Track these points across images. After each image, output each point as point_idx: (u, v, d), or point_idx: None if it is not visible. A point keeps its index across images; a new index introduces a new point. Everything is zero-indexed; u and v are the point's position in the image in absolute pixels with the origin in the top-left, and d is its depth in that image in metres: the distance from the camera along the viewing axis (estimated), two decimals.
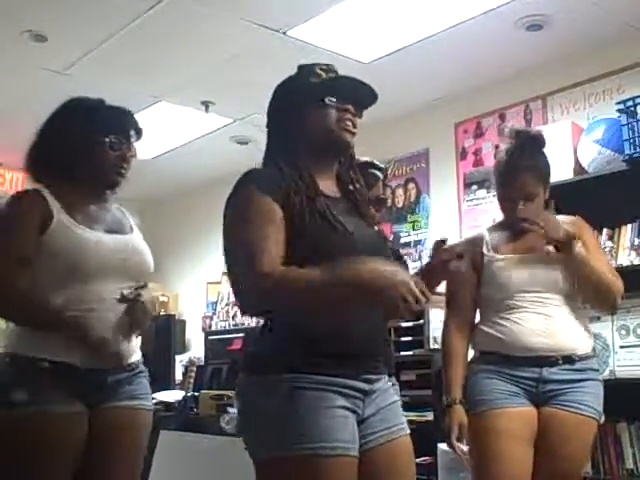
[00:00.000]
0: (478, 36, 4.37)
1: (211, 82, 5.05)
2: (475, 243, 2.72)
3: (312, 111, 1.91)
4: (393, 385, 2.01)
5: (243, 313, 2.38)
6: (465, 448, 2.57)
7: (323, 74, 1.95)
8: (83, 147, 2.35)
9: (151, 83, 5.08)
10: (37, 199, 2.27)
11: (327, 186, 1.93)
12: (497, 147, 4.97)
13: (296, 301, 1.72)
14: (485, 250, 2.68)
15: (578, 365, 2.54)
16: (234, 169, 7.42)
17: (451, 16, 4.16)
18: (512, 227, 2.67)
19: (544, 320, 2.54)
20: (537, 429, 2.51)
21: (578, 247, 2.54)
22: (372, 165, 2.76)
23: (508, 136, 2.73)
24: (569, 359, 2.53)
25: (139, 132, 2.48)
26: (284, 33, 4.35)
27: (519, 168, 2.60)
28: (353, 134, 1.92)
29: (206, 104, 5.38)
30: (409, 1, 4.02)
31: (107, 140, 2.36)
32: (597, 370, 2.63)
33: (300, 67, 2.00)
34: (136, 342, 2.40)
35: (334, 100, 1.90)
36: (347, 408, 1.78)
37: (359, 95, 1.93)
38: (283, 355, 1.78)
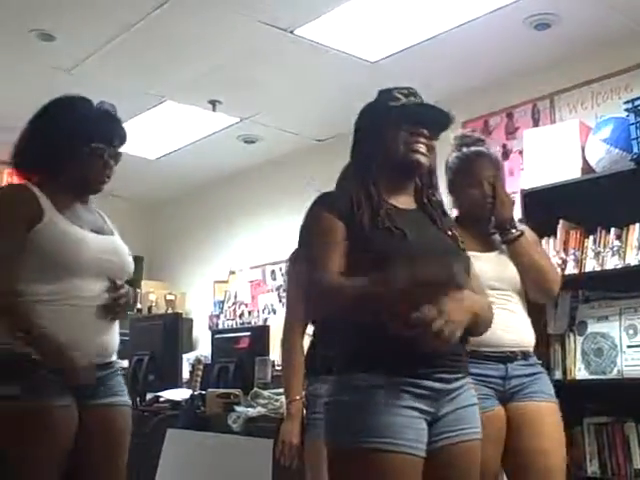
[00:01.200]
0: (486, 35, 4.36)
1: (218, 81, 5.05)
2: None
3: (386, 133, 2.07)
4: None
5: (314, 321, 2.75)
6: None
7: (402, 97, 2.12)
8: (69, 152, 2.38)
9: (158, 82, 5.08)
10: (26, 195, 2.30)
11: (402, 200, 2.09)
12: (504, 146, 4.97)
13: (349, 308, 1.87)
14: None
15: (530, 360, 2.64)
16: (241, 168, 7.45)
17: (458, 15, 4.16)
18: (473, 223, 2.72)
19: (508, 316, 2.59)
20: (507, 427, 2.53)
21: (524, 238, 2.69)
22: None
23: (456, 142, 2.83)
24: (526, 354, 2.62)
25: (123, 139, 2.52)
26: (292, 32, 4.35)
27: (473, 153, 2.75)
28: (424, 155, 2.10)
29: (213, 103, 5.39)
30: (416, 0, 4.02)
31: (90, 147, 2.39)
32: (540, 363, 2.73)
33: (381, 91, 2.17)
34: (117, 340, 2.45)
35: (406, 123, 2.07)
36: (416, 409, 1.86)
37: (431, 118, 2.10)
38: (358, 356, 1.91)
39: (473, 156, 2.74)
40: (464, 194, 2.74)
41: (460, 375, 1.97)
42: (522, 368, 2.60)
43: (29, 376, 2.21)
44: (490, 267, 2.63)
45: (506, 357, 2.57)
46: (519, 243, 2.68)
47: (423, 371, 1.88)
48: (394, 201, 2.06)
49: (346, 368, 1.93)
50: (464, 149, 2.78)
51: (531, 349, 2.65)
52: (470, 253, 2.67)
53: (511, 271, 2.67)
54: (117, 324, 2.46)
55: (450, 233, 2.13)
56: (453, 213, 2.76)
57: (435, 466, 1.88)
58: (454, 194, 2.77)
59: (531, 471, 2.51)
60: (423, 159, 2.10)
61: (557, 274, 2.80)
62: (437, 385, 1.89)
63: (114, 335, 2.43)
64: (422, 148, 2.10)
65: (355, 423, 1.85)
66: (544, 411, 2.57)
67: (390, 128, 2.07)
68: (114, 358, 2.45)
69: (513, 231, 2.69)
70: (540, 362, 2.71)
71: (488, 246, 2.72)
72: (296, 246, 2.13)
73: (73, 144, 2.37)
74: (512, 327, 2.59)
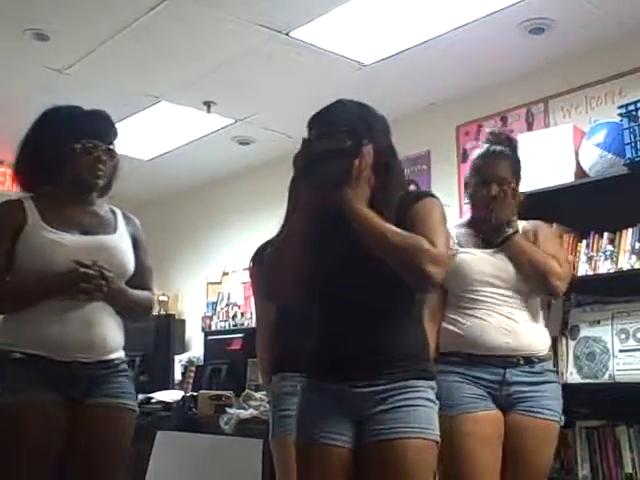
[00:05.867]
0: (480, 39, 4.36)
1: (213, 82, 5.04)
2: None
3: None
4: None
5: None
6: None
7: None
8: (57, 154, 2.42)
9: (152, 83, 5.07)
10: (13, 208, 2.39)
11: None
12: None
13: None
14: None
15: (537, 367, 2.59)
16: (236, 169, 7.46)
17: (453, 19, 4.16)
18: (480, 222, 2.74)
19: (507, 318, 2.56)
20: (504, 432, 2.53)
21: (517, 236, 2.68)
22: None
23: (485, 138, 2.86)
24: (529, 360, 2.58)
25: (114, 134, 2.55)
26: (287, 34, 4.35)
27: (492, 153, 2.74)
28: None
29: (208, 104, 5.38)
30: (411, 3, 4.02)
31: (79, 145, 2.41)
32: (554, 371, 2.70)
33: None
34: (119, 339, 2.44)
35: None
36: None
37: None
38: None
39: (490, 155, 2.74)
40: (473, 191, 2.74)
41: (383, 380, 1.99)
42: (524, 375, 2.55)
43: (6, 373, 2.25)
44: (489, 265, 2.63)
45: (504, 362, 2.54)
46: (512, 243, 2.66)
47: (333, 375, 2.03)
48: None
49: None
50: (487, 146, 2.78)
51: (538, 354, 2.59)
52: (470, 250, 2.69)
53: (512, 271, 2.64)
54: (114, 322, 2.44)
55: None
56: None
57: (364, 462, 1.98)
58: (467, 190, 2.77)
59: None
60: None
61: (560, 270, 2.68)
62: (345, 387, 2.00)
63: (106, 331, 2.41)
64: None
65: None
66: (538, 429, 2.54)
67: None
68: (114, 356, 2.43)
69: (507, 230, 2.68)
70: (553, 370, 2.67)
71: (492, 245, 2.71)
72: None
73: (63, 145, 2.41)
74: (510, 330, 2.56)
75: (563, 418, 2.64)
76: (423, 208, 2.02)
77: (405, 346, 2.03)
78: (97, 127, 2.48)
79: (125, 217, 2.61)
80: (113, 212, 2.60)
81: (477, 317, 2.60)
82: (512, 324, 2.57)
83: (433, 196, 2.10)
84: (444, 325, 2.68)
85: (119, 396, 2.40)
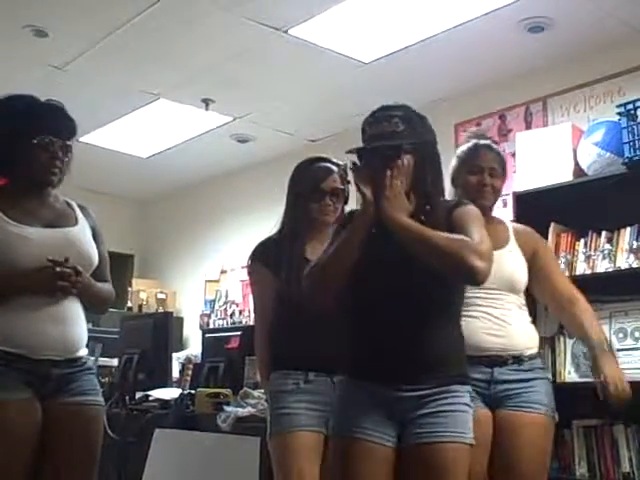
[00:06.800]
0: (479, 37, 4.37)
1: (212, 80, 5.04)
2: None
3: None
4: None
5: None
6: None
7: None
8: (13, 147, 2.38)
9: (151, 80, 5.07)
10: None
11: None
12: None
13: None
14: None
15: (526, 365, 2.57)
16: (234, 167, 7.44)
17: (453, 17, 4.16)
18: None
19: (497, 319, 2.56)
20: (492, 432, 2.52)
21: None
22: (324, 159, 2.80)
23: (466, 138, 2.90)
24: (518, 359, 2.57)
25: (72, 129, 2.49)
26: (285, 32, 4.35)
27: (480, 145, 2.76)
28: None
29: (206, 102, 5.38)
30: (411, 1, 4.02)
31: (35, 141, 2.38)
32: (543, 368, 2.68)
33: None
34: (85, 337, 2.44)
35: None
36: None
37: None
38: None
39: (480, 146, 2.76)
40: (463, 180, 2.73)
41: (427, 385, 2.05)
42: (512, 373, 2.54)
43: None
44: None
45: (492, 361, 2.54)
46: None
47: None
48: None
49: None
50: (474, 141, 2.80)
51: (527, 353, 2.58)
52: None
53: (507, 270, 2.61)
54: (82, 318, 2.44)
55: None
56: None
57: (405, 464, 2.05)
58: (454, 182, 2.76)
59: None
60: None
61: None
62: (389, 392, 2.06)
63: (76, 329, 2.40)
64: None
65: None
66: (527, 425, 2.51)
67: None
68: (81, 354, 2.43)
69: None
70: (542, 367, 2.66)
71: None
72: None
73: (18, 139, 2.37)
74: (500, 330, 2.55)
75: (556, 415, 2.62)
76: (463, 213, 2.13)
77: (447, 350, 2.11)
78: (54, 122, 2.44)
79: (81, 208, 2.57)
80: (69, 204, 2.55)
81: (467, 318, 2.58)
82: (502, 324, 2.56)
83: (469, 204, 2.21)
84: None
85: (89, 393, 2.40)
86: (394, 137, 2.09)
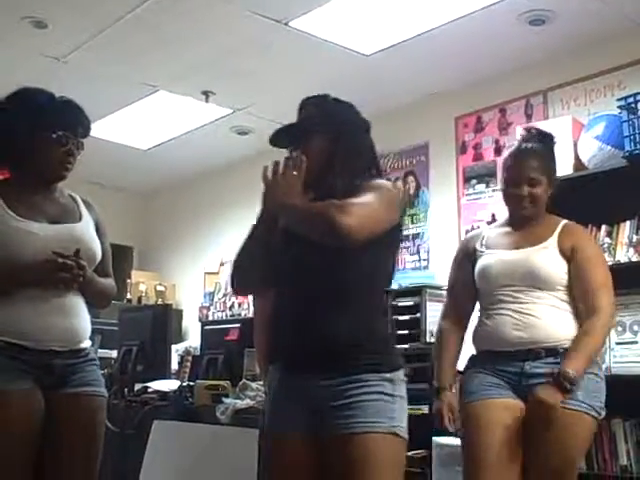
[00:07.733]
0: (480, 30, 4.36)
1: (211, 72, 5.03)
2: (471, 239, 2.84)
3: None
4: None
5: None
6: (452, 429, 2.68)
7: None
8: (29, 142, 2.38)
9: (151, 72, 5.06)
10: None
11: None
12: (497, 142, 4.97)
13: None
14: (478, 246, 2.76)
15: (561, 358, 2.50)
16: (234, 159, 7.42)
17: (454, 9, 4.15)
18: (512, 221, 2.72)
19: (522, 314, 2.56)
20: (524, 422, 2.52)
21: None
22: None
23: (520, 133, 2.82)
24: (553, 351, 2.53)
25: (87, 128, 2.50)
26: (286, 24, 4.34)
27: (523, 151, 2.70)
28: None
29: (206, 94, 5.37)
30: None
31: (54, 136, 2.38)
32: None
33: None
34: (88, 328, 2.44)
35: None
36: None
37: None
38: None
39: (519, 154, 2.71)
40: (504, 190, 2.73)
41: (334, 373, 2.01)
42: (547, 366, 2.50)
43: None
44: (507, 264, 2.62)
45: (523, 356, 2.53)
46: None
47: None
48: None
49: None
50: (518, 144, 2.75)
51: (564, 345, 2.52)
52: (493, 251, 2.69)
53: (534, 266, 2.59)
54: (85, 310, 2.44)
55: None
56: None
57: (321, 455, 2.02)
58: (502, 188, 2.76)
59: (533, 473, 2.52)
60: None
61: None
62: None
63: (80, 320, 2.41)
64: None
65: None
66: (562, 420, 2.43)
67: None
68: (84, 345, 2.43)
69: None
70: None
71: (513, 245, 2.68)
72: None
73: (34, 134, 2.37)
74: (527, 325, 2.55)
75: (603, 413, 2.56)
76: (366, 185, 2.07)
77: (357, 338, 2.03)
78: (74, 119, 2.45)
79: (85, 203, 2.57)
80: (73, 198, 2.56)
81: (495, 316, 2.62)
82: (529, 319, 2.55)
83: (379, 178, 2.16)
84: (475, 327, 2.74)
85: (92, 384, 2.41)
86: (302, 123, 2.17)
